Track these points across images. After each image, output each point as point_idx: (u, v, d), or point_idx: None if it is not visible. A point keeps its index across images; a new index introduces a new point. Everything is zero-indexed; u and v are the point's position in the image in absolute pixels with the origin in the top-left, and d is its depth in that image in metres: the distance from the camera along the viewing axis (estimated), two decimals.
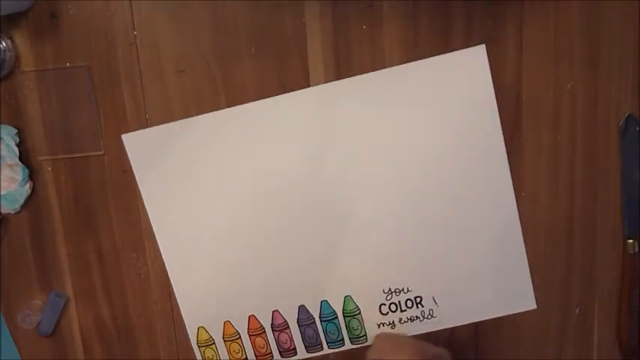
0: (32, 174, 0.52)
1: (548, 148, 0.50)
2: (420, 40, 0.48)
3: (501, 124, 0.49)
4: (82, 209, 0.53)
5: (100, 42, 0.49)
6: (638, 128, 0.49)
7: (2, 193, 0.51)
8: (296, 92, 0.49)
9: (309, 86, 0.49)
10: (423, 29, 0.48)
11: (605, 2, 0.47)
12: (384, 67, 0.49)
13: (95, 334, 0.55)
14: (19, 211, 0.52)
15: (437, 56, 0.48)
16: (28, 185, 0.51)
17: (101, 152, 0.51)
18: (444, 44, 0.48)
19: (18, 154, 0.51)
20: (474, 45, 0.48)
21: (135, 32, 0.49)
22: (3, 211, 0.52)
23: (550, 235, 0.52)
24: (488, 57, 0.48)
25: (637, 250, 0.51)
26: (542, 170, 0.51)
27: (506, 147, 0.50)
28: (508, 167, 0.50)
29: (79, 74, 0.50)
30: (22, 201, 0.52)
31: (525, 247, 0.52)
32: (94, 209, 0.53)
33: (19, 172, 0.51)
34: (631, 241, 0.51)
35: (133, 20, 0.49)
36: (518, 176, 0.51)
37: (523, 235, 0.51)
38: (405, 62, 0.49)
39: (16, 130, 0.50)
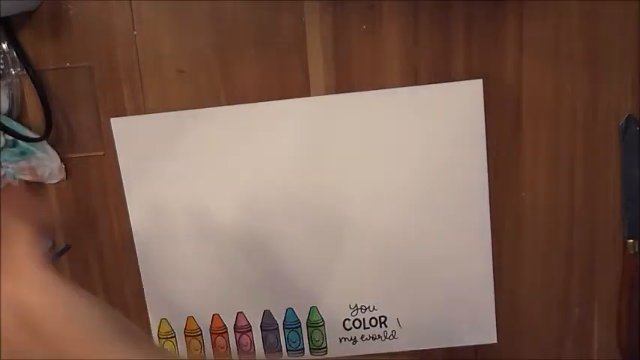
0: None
1: (548, 148, 0.50)
2: (420, 40, 0.48)
3: (501, 124, 0.49)
4: (82, 209, 0.53)
5: (100, 42, 0.49)
6: (638, 128, 0.49)
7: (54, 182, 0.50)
8: (295, 100, 0.49)
9: (309, 86, 0.49)
10: (424, 29, 0.48)
11: (605, 2, 0.47)
12: (383, 67, 0.49)
13: None
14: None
15: (435, 84, 0.48)
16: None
17: (101, 152, 0.51)
18: (444, 44, 0.48)
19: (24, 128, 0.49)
20: (474, 44, 0.48)
21: (135, 32, 0.49)
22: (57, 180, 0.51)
23: (550, 235, 0.52)
24: (489, 57, 0.48)
25: (637, 250, 0.51)
26: (542, 170, 0.51)
27: (506, 147, 0.50)
28: (488, 204, 0.50)
29: (79, 74, 0.50)
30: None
31: (525, 247, 0.52)
32: (94, 209, 0.53)
33: (43, 148, 0.49)
34: (631, 241, 0.51)
35: (133, 20, 0.49)
36: (518, 176, 0.51)
37: (523, 234, 0.52)
38: (405, 62, 0.49)
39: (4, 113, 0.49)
